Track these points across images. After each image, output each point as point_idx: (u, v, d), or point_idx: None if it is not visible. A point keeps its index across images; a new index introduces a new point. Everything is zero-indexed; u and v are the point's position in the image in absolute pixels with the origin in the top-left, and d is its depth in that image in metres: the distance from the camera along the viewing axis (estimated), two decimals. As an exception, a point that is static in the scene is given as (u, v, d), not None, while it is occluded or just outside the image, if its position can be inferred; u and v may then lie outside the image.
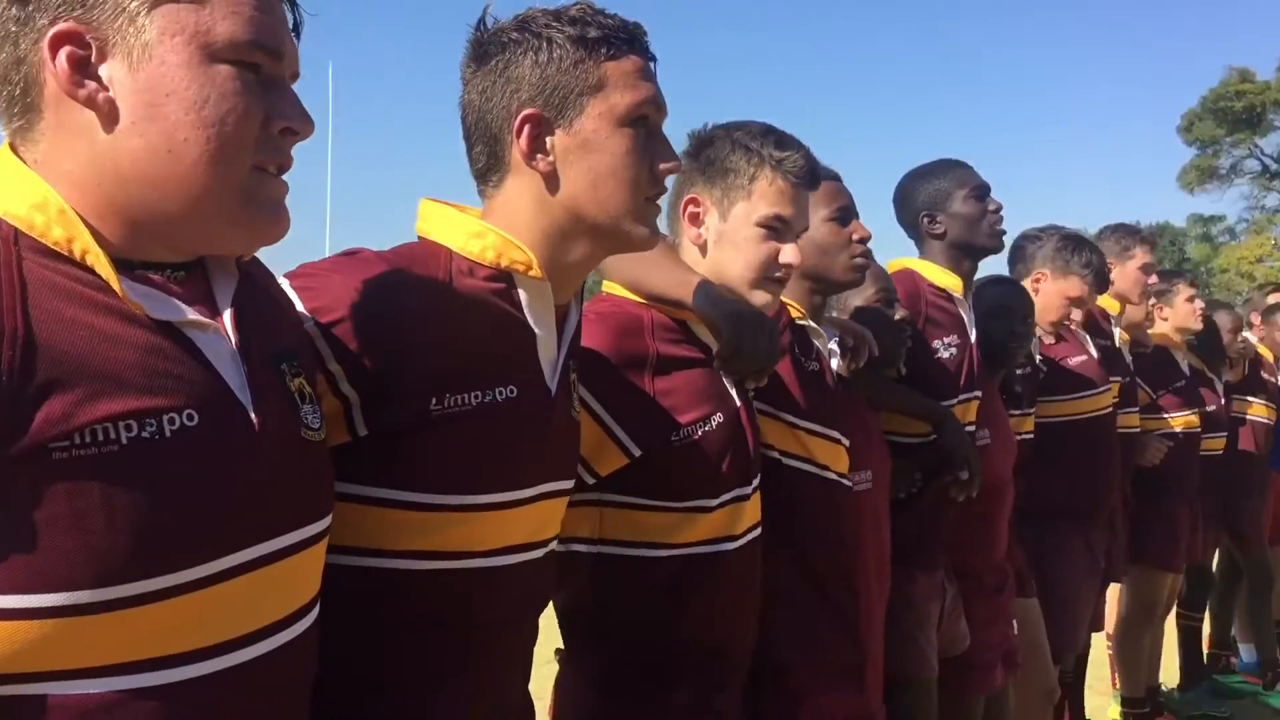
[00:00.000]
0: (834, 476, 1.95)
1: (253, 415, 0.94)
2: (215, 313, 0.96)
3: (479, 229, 1.29)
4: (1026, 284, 3.11)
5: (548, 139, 1.28)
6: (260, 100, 0.93)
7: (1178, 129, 53.92)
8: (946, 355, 2.47)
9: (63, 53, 0.87)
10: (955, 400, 2.47)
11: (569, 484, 1.40)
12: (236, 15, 0.91)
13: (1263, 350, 4.77)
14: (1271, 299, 5.28)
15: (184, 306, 0.93)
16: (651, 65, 1.34)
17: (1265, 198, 55.41)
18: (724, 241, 1.77)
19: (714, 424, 1.61)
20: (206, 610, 0.90)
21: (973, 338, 2.56)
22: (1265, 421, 4.72)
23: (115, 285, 0.88)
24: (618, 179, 1.29)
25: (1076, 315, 3.21)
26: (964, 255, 2.57)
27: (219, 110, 0.90)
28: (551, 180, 1.29)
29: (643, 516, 1.59)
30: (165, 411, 0.87)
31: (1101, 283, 3.20)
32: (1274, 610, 5.03)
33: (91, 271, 0.88)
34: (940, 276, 2.56)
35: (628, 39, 1.30)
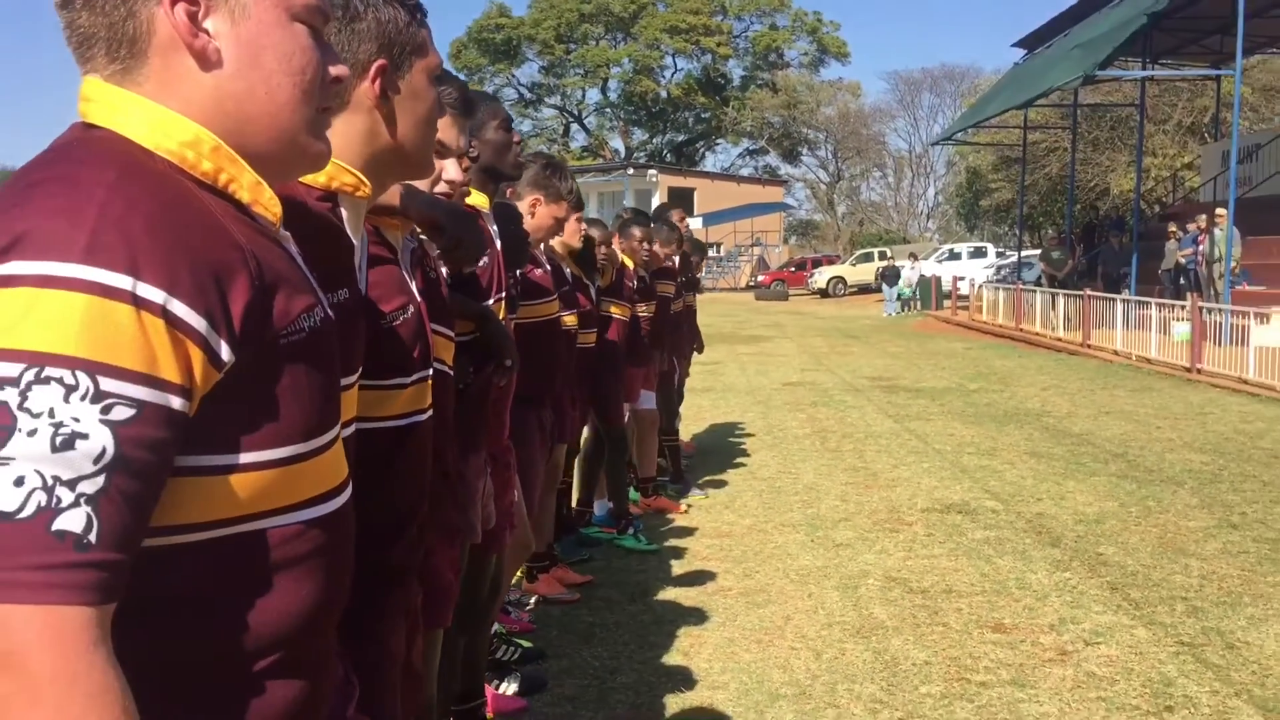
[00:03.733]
0: (445, 369, 2.29)
1: (328, 310, 1.14)
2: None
3: None
4: (523, 205, 3.59)
5: (389, 89, 1.53)
6: (321, 54, 1.12)
7: (448, 56, 58.06)
8: (483, 263, 2.86)
9: (179, 8, 1.01)
10: (493, 300, 2.88)
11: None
12: None
13: (626, 260, 5.79)
14: (626, 216, 6.38)
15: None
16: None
17: (521, 124, 62.05)
18: None
19: (409, 313, 1.87)
20: (332, 462, 1.12)
21: (498, 247, 2.98)
22: (623, 319, 5.76)
23: (277, 208, 1.06)
24: (431, 127, 1.60)
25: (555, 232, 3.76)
26: (490, 179, 2.96)
27: (302, 61, 1.09)
28: (390, 123, 1.54)
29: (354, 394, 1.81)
30: (315, 306, 1.07)
31: (579, 204, 3.78)
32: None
33: (229, 197, 1.04)
34: (473, 197, 2.92)
35: (424, 24, 1.60)
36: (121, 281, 0.88)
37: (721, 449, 9.07)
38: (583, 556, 5.67)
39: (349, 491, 1.17)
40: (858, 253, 44.16)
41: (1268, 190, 23.12)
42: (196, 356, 0.92)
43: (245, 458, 0.99)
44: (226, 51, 1.04)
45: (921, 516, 6.63)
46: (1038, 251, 29.71)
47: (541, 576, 5.13)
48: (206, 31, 1.03)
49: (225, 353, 0.95)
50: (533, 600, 5.03)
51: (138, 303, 0.89)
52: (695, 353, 8.90)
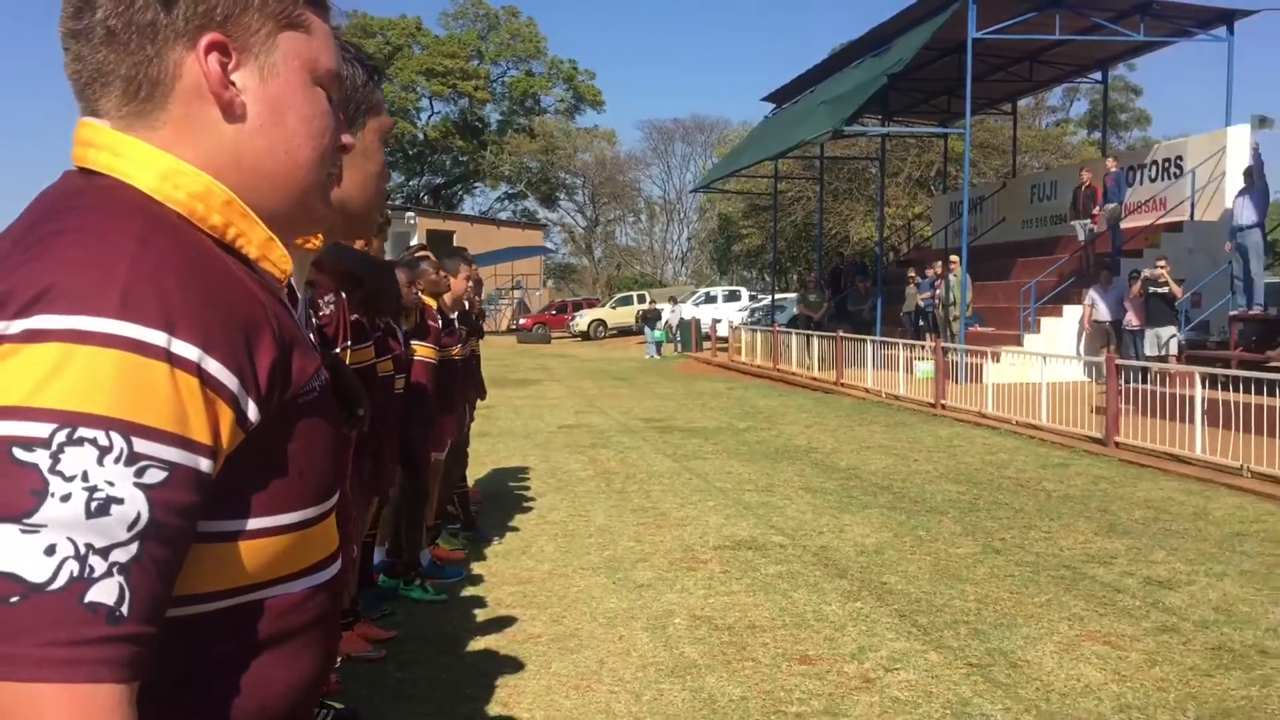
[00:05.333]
0: None
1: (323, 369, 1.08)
2: None
3: None
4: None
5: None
6: (336, 121, 1.10)
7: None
8: (328, 311, 2.75)
9: (213, 57, 0.96)
10: (339, 348, 2.77)
11: None
12: (331, 49, 1.08)
13: (427, 300, 5.66)
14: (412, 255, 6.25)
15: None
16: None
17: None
18: None
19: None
20: (332, 526, 1.07)
21: (343, 296, 2.87)
22: (430, 361, 5.64)
23: (287, 265, 1.02)
24: (380, 185, 1.60)
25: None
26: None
27: (322, 125, 1.06)
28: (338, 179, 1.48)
29: None
30: (320, 367, 1.03)
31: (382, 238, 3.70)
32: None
33: (236, 252, 0.99)
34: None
35: (380, 85, 1.60)
36: (156, 338, 0.83)
37: (508, 494, 9.00)
38: (385, 612, 5.48)
39: (341, 556, 1.11)
40: (618, 296, 45.03)
41: (991, 239, 25.21)
42: (225, 417, 0.88)
43: (261, 523, 0.94)
44: (252, 107, 1.00)
45: (715, 554, 6.79)
46: (790, 295, 31.20)
47: (344, 634, 4.91)
48: (234, 84, 0.99)
49: (253, 412, 0.90)
50: (338, 659, 4.81)
51: (172, 360, 0.84)
52: (479, 399, 8.82)
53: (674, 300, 35.17)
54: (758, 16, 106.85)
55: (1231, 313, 14.94)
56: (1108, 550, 6.77)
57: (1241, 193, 15.04)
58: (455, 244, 46.44)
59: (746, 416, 14.78)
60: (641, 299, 40.14)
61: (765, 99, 28.26)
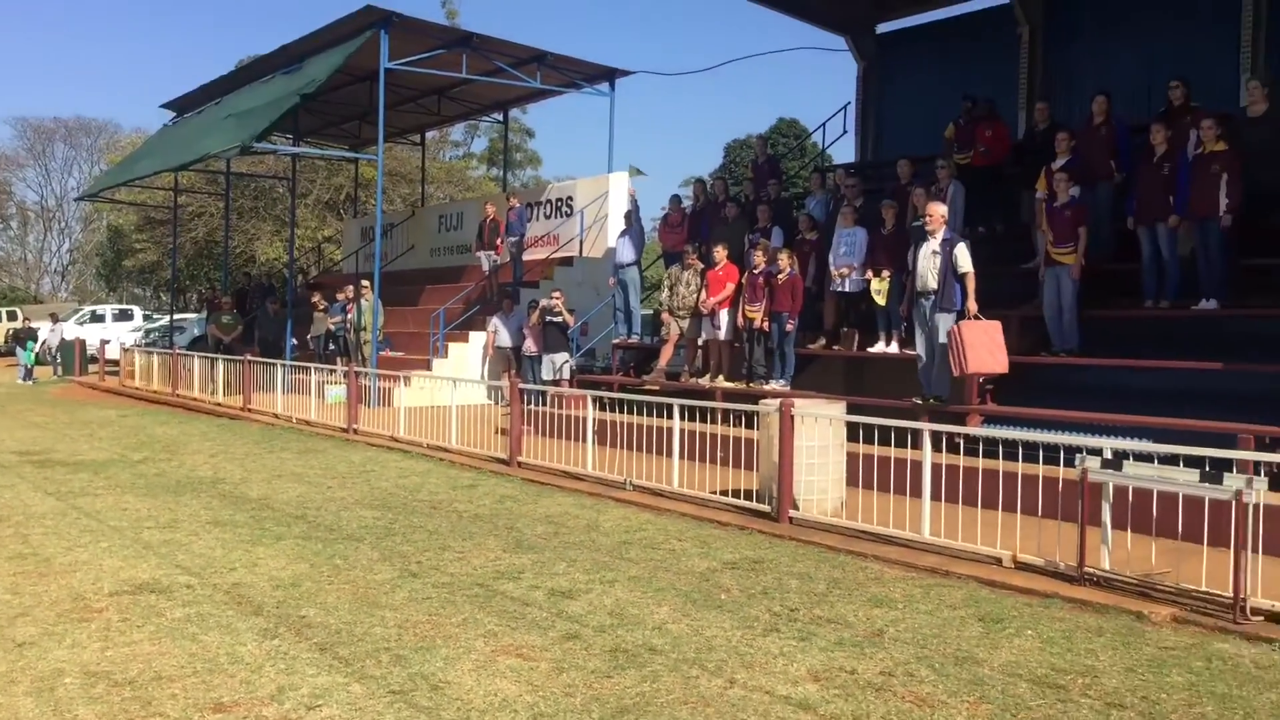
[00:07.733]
0: None
1: None
2: None
3: None
4: None
5: None
6: None
7: None
8: None
9: None
10: None
11: None
12: None
13: None
14: None
15: None
16: None
17: None
18: None
19: None
20: None
21: None
22: None
23: None
24: None
25: None
26: None
27: None
28: None
29: None
30: None
31: None
32: None
33: None
34: None
35: None
36: None
37: None
38: None
39: None
40: (-17, 312, 39.48)
41: (401, 265, 25.79)
42: None
43: None
44: None
45: (111, 601, 6.13)
46: (190, 316, 29.39)
47: None
48: None
49: None
50: None
51: None
52: None
53: (54, 318, 31.55)
54: (154, 17, 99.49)
55: (614, 341, 16.58)
56: (516, 565, 7.15)
57: (622, 234, 16.79)
58: None
59: (142, 446, 13.62)
60: (13, 316, 35.52)
61: (165, 105, 26.47)
